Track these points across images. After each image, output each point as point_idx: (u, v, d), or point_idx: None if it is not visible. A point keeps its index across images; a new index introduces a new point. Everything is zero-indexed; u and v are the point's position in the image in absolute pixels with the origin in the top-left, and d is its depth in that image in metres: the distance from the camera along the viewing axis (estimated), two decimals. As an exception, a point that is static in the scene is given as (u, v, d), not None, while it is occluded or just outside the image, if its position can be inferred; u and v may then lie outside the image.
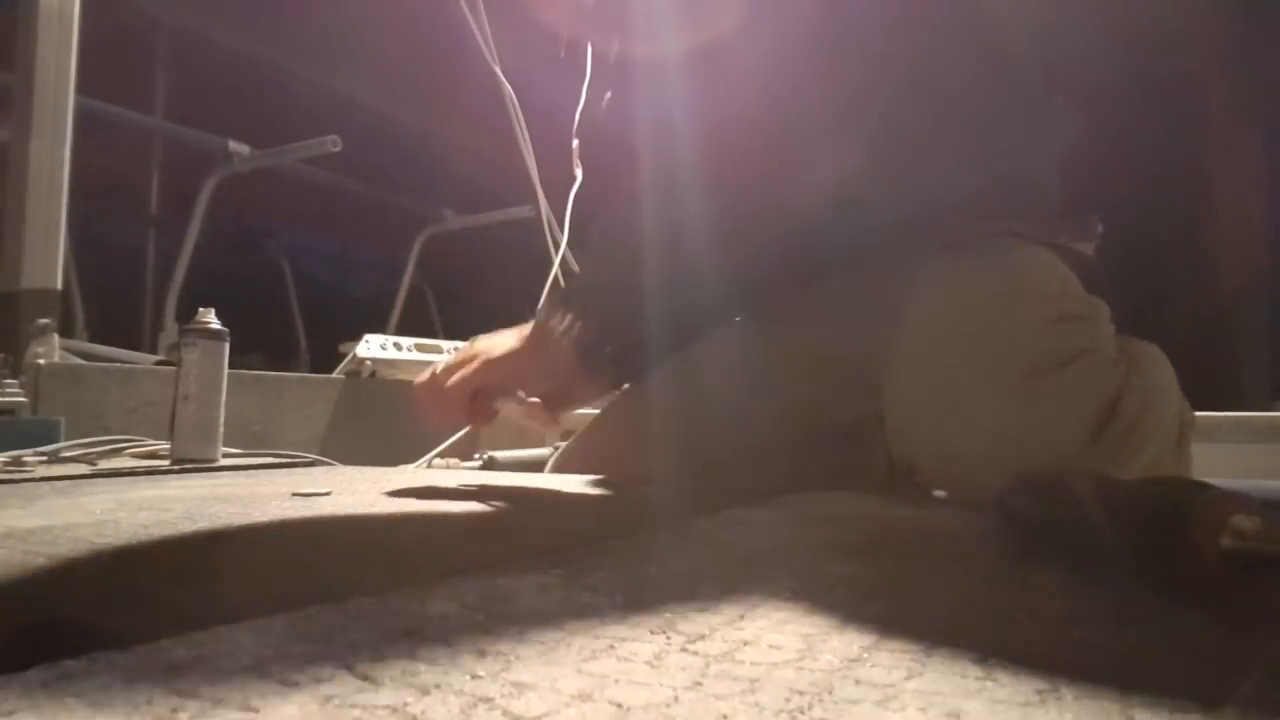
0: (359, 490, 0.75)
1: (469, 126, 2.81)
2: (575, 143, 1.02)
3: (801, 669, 0.26)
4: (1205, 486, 0.35)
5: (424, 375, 0.82)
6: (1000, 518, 0.50)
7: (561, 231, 1.28)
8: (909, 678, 0.25)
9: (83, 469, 0.93)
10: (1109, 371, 0.73)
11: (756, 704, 0.23)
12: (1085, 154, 0.86)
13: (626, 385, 0.96)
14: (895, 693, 0.24)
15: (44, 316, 1.36)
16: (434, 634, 0.29)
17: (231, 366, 1.11)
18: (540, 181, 1.75)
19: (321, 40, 3.17)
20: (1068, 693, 0.24)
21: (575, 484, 0.83)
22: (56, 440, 1.07)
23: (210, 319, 1.08)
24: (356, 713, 0.22)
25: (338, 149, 2.49)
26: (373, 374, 1.73)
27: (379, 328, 2.74)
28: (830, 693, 0.24)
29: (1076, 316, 0.75)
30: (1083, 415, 0.70)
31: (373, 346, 1.73)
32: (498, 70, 1.57)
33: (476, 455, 1.28)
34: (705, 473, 0.87)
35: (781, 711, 0.22)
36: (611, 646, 0.28)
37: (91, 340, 2.10)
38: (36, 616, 0.33)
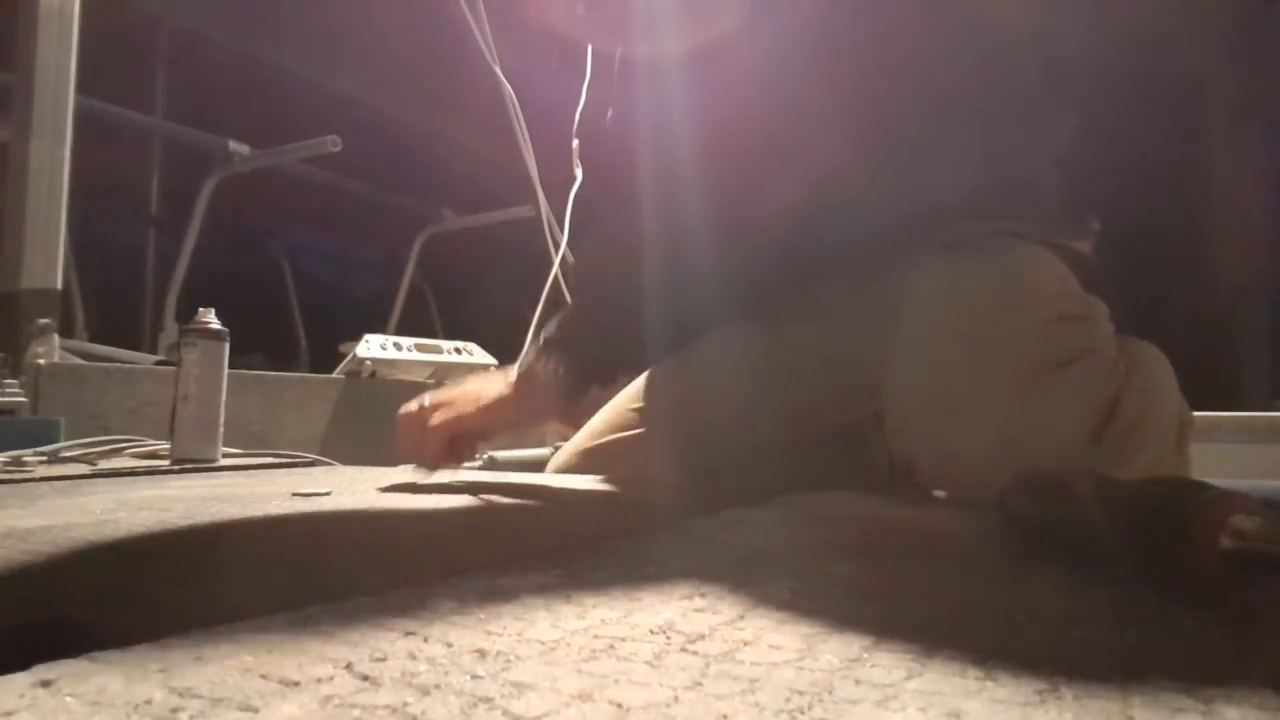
0: (359, 490, 0.75)
1: (469, 126, 2.81)
2: (575, 143, 1.02)
3: (801, 669, 0.26)
4: (1205, 486, 0.35)
5: (411, 406, 0.83)
6: (1000, 518, 0.50)
7: (561, 231, 1.28)
8: (909, 678, 0.25)
9: (83, 469, 0.93)
10: (1109, 372, 0.73)
11: (756, 704, 0.23)
12: (1085, 154, 0.86)
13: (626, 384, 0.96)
14: (895, 693, 0.24)
15: (44, 316, 1.36)
16: (434, 634, 0.29)
17: (231, 366, 1.11)
18: (540, 181, 1.75)
19: (321, 40, 3.17)
20: (1068, 693, 0.24)
21: (575, 484, 0.83)
22: (56, 440, 1.07)
23: (210, 319, 1.08)
24: (356, 713, 0.22)
25: (338, 149, 2.49)
26: (373, 374, 1.73)
27: (379, 328, 2.74)
28: (830, 693, 0.24)
29: (1076, 316, 0.75)
30: (1083, 415, 0.70)
31: (373, 346, 1.73)
32: (498, 70, 1.57)
33: (477, 455, 1.28)
34: (705, 473, 0.87)
35: (781, 711, 0.22)
36: (611, 646, 0.28)
37: (91, 340, 2.10)
38: (36, 616, 0.33)
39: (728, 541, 0.50)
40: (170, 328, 2.52)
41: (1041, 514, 0.46)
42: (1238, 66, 1.85)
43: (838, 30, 0.75)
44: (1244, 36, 1.81)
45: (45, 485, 0.79)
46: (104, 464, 0.99)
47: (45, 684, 0.23)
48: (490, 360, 1.90)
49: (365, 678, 0.24)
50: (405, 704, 0.22)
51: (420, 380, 1.81)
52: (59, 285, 1.43)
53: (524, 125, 1.69)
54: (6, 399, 1.16)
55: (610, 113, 0.93)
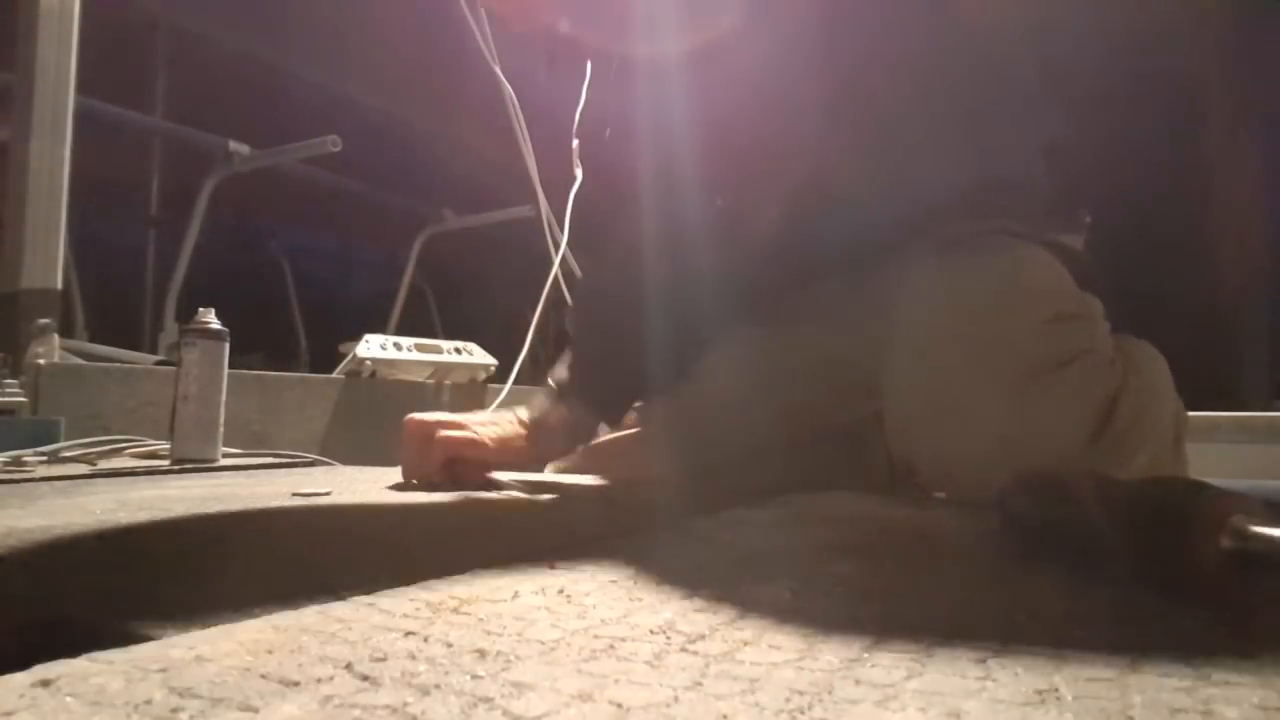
0: (359, 490, 0.75)
1: (469, 126, 2.80)
2: (575, 143, 1.02)
3: (801, 669, 0.26)
4: (1205, 486, 0.35)
5: (424, 416, 0.81)
6: (1000, 518, 0.50)
7: (561, 231, 1.28)
8: (909, 678, 0.25)
9: (83, 469, 0.93)
10: (1107, 371, 0.73)
11: (756, 704, 0.23)
12: (1086, 154, 0.86)
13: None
14: (895, 693, 0.24)
15: (44, 316, 1.36)
16: (434, 634, 0.29)
17: (231, 366, 1.11)
18: (540, 181, 1.75)
19: (321, 40, 3.17)
20: (1068, 693, 0.24)
21: (576, 484, 0.83)
22: (56, 440, 1.07)
23: (210, 319, 1.08)
24: (356, 713, 0.22)
25: (338, 149, 2.48)
26: (373, 374, 1.73)
27: (379, 328, 2.74)
28: (830, 693, 0.24)
29: (1073, 315, 0.75)
30: (1082, 415, 0.70)
31: (373, 346, 1.73)
32: (498, 70, 1.57)
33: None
34: (705, 473, 0.87)
35: (781, 711, 0.22)
36: (611, 646, 0.28)
37: (91, 340, 2.10)
38: (36, 616, 0.33)
39: (728, 541, 0.50)
40: (170, 328, 2.52)
41: (1041, 514, 0.46)
42: (1238, 66, 1.85)
43: (834, 30, 0.75)
44: (1244, 35, 1.81)
45: (45, 485, 0.79)
46: (104, 464, 0.99)
47: (45, 684, 0.23)
48: (490, 360, 1.90)
49: (365, 678, 0.24)
50: (405, 704, 0.22)
51: (420, 380, 1.81)
52: (59, 285, 1.43)
53: (524, 125, 1.69)
54: (6, 399, 1.16)
55: (610, 114, 0.94)
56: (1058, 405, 0.69)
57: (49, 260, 1.41)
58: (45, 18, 1.43)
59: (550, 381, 0.88)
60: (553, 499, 0.74)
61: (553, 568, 0.41)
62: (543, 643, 0.28)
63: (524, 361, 1.53)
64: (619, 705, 0.22)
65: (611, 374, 0.84)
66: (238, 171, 2.71)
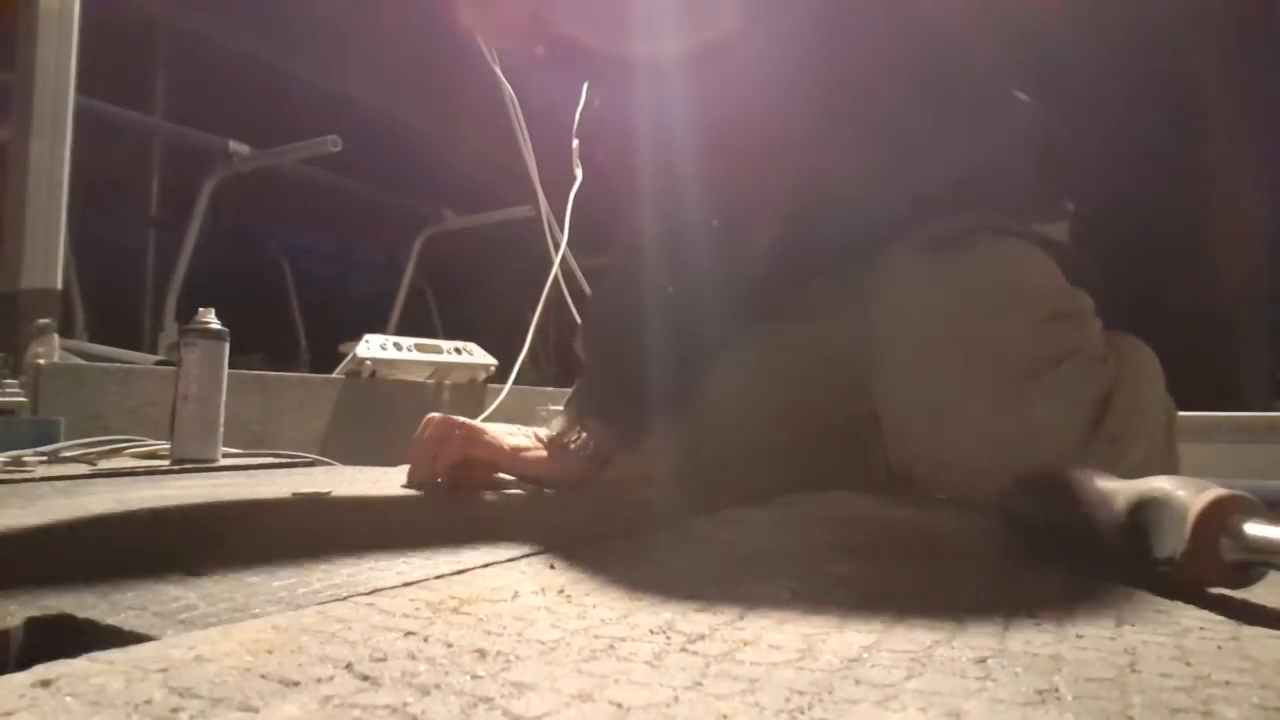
0: (359, 490, 0.75)
1: (469, 126, 2.81)
2: (575, 143, 1.02)
3: (801, 669, 0.26)
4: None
5: (439, 416, 0.80)
6: (1000, 518, 0.50)
7: (561, 231, 1.28)
8: (909, 678, 0.25)
9: (83, 469, 0.92)
10: (1100, 368, 0.73)
11: (756, 704, 0.23)
12: (1086, 155, 0.86)
13: None
14: (895, 693, 0.24)
15: (44, 316, 1.36)
16: (434, 634, 0.29)
17: (231, 366, 1.11)
18: (540, 181, 1.74)
19: (321, 40, 3.17)
20: (1068, 693, 0.24)
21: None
22: (56, 440, 1.06)
23: (210, 319, 1.08)
24: (356, 713, 0.22)
25: (338, 149, 2.48)
26: (373, 374, 1.73)
27: (379, 328, 2.74)
28: (830, 693, 0.24)
29: (1065, 313, 0.75)
30: (1078, 415, 0.70)
31: (373, 346, 1.73)
32: (498, 70, 1.57)
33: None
34: (705, 473, 0.87)
35: (781, 711, 0.22)
36: (611, 646, 0.28)
37: (91, 340, 2.10)
38: (37, 616, 0.33)
39: (727, 541, 0.50)
40: (170, 328, 2.52)
41: (1041, 514, 0.46)
42: (1238, 65, 1.85)
43: (834, 31, 0.75)
44: (1245, 35, 1.81)
45: (45, 485, 0.79)
46: (104, 464, 0.99)
47: (45, 684, 0.23)
48: (490, 360, 1.89)
49: (365, 678, 0.24)
50: (405, 704, 0.22)
51: (420, 380, 1.81)
52: (59, 285, 1.43)
53: (524, 125, 1.69)
54: (6, 399, 1.16)
55: (608, 115, 0.94)
56: (1054, 405, 0.69)
57: (49, 260, 1.41)
58: (45, 18, 1.43)
59: (567, 402, 0.87)
60: (553, 498, 0.73)
61: (552, 568, 0.41)
62: (543, 643, 0.28)
63: (524, 361, 1.53)
64: (619, 705, 0.22)
65: (627, 397, 0.83)
66: (238, 171, 2.72)
